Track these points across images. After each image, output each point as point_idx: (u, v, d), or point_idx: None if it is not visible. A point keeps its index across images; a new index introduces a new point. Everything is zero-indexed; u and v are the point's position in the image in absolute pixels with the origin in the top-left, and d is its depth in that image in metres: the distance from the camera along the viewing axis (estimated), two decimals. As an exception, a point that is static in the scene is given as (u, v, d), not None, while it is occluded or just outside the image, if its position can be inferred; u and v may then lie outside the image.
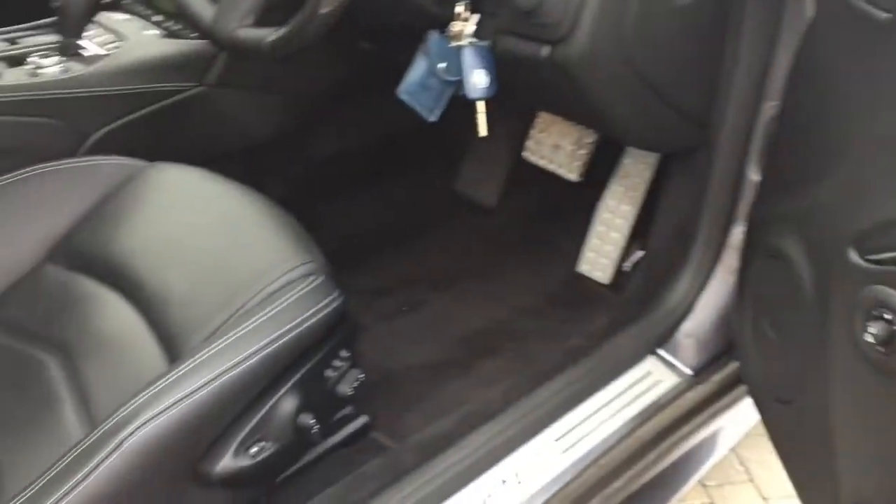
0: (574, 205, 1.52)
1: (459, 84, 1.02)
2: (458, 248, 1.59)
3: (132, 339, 0.99)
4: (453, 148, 1.67)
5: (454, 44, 1.02)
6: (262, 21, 1.01)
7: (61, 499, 0.78)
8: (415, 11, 1.06)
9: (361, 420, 1.12)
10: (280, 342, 0.92)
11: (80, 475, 0.79)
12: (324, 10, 0.92)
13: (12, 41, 1.31)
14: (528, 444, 1.05)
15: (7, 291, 1.09)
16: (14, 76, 1.19)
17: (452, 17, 1.02)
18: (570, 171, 1.53)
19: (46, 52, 1.24)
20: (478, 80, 1.03)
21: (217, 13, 1.03)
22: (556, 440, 1.07)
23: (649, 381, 1.18)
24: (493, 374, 1.21)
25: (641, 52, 0.99)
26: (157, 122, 1.30)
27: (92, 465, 0.79)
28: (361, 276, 1.47)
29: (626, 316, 1.26)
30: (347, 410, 1.12)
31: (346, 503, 0.98)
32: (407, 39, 1.07)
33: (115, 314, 1.02)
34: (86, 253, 1.10)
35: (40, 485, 0.80)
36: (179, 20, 1.27)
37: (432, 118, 1.04)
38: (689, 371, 1.22)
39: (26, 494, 0.80)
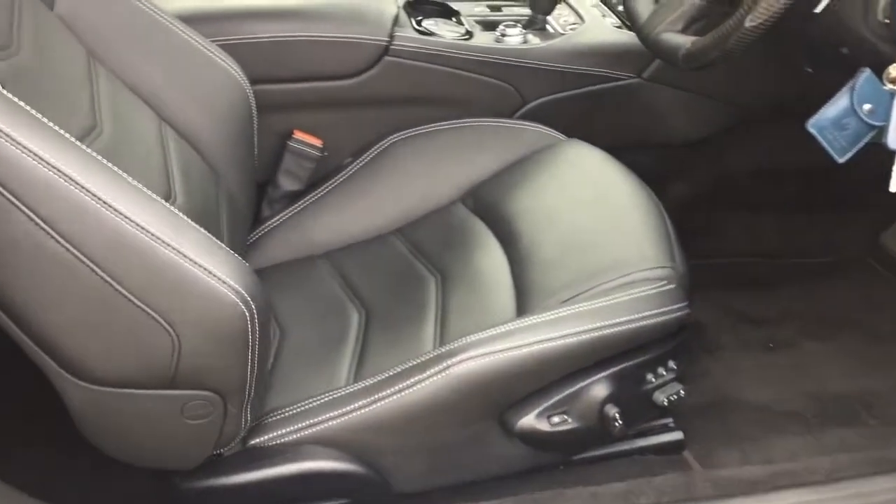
0: None
1: (880, 131, 0.94)
2: (856, 302, 1.45)
3: (495, 284, 1.12)
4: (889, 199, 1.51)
5: (889, 87, 0.94)
6: (689, 28, 1.03)
7: (390, 395, 0.94)
8: (860, 45, 0.99)
9: (676, 435, 1.12)
10: (612, 330, 0.97)
11: (409, 381, 0.94)
12: (750, 23, 0.92)
13: (493, 8, 1.51)
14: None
15: (427, 215, 1.30)
16: (484, 39, 1.38)
17: (896, 59, 0.94)
18: None
19: (515, 22, 1.41)
20: (906, 131, 0.94)
21: (652, 13, 1.08)
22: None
23: None
24: (834, 443, 1.12)
25: None
26: (587, 102, 1.40)
27: (421, 377, 0.94)
28: (739, 297, 1.44)
29: None
30: (667, 420, 1.14)
31: (628, 502, 1.01)
32: (846, 72, 1.01)
33: (490, 259, 1.16)
34: (488, 201, 1.25)
35: (381, 378, 0.97)
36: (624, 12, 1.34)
37: (841, 160, 0.98)
38: None
39: (371, 381, 0.98)
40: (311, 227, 1.31)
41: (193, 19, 1.20)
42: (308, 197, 1.32)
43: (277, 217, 1.31)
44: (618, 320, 0.97)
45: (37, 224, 0.73)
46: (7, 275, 0.76)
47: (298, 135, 1.33)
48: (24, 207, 0.72)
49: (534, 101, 1.39)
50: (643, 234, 1.10)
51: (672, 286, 1.02)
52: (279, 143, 1.34)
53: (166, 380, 0.83)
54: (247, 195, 1.25)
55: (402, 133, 1.35)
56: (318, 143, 1.33)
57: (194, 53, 1.17)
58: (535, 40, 1.39)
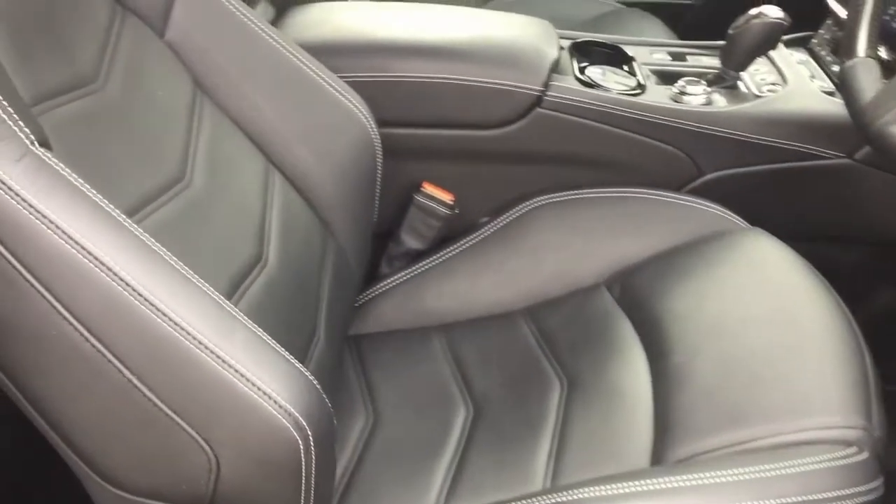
0: None
1: None
2: None
3: (631, 407, 0.91)
4: None
5: None
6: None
7: None
8: None
9: None
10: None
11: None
12: None
13: (676, 56, 1.27)
14: None
15: (564, 297, 1.10)
16: (657, 95, 1.15)
17: None
18: None
19: (699, 76, 1.18)
20: None
21: (879, 93, 0.83)
22: None
23: None
24: None
25: None
26: (779, 182, 1.15)
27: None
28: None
29: None
30: None
31: None
32: None
33: (630, 371, 0.95)
34: (638, 293, 1.04)
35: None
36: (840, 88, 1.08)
37: None
38: None
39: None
40: (432, 293, 1.14)
41: (322, 51, 1.07)
42: (432, 258, 1.16)
43: (396, 277, 1.15)
44: (784, 500, 0.74)
45: (61, 314, 0.61)
46: (30, 364, 0.65)
47: (428, 188, 1.16)
48: (48, 294, 0.60)
49: (711, 174, 1.16)
50: (833, 373, 0.85)
51: (863, 457, 0.77)
52: (405, 194, 1.18)
53: (203, 499, 0.69)
54: (360, 250, 1.10)
55: (546, 196, 1.15)
56: (449, 198, 1.16)
57: (316, 89, 1.03)
58: (721, 102, 1.15)
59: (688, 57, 1.27)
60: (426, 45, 1.14)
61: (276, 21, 1.22)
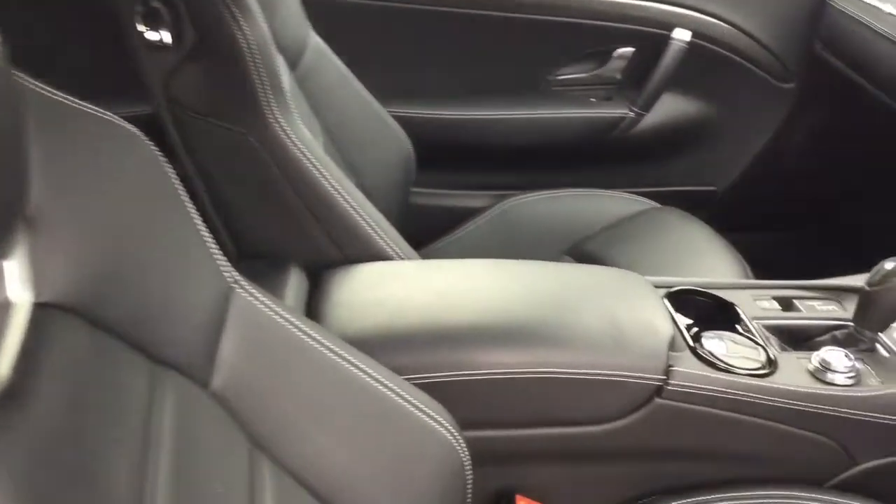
0: None
1: None
2: None
3: None
4: None
5: None
6: None
7: None
8: None
9: None
10: None
11: None
12: None
13: (784, 303, 1.07)
14: None
15: None
16: (793, 373, 0.93)
17: None
18: None
19: (838, 338, 0.99)
20: None
21: None
22: None
23: None
24: None
25: None
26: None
27: None
28: None
29: None
30: None
31: None
32: None
33: None
34: None
35: None
36: None
37: None
38: None
39: None
40: None
41: (379, 348, 0.83)
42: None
43: None
44: None
45: None
46: None
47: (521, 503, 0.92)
48: None
49: (867, 464, 0.95)
50: None
51: None
52: (492, 506, 0.94)
53: None
54: None
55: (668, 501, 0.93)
56: (547, 513, 0.92)
57: (393, 412, 0.79)
58: (871, 378, 0.94)
59: (795, 302, 1.08)
60: (511, 330, 0.91)
61: (311, 291, 0.99)
